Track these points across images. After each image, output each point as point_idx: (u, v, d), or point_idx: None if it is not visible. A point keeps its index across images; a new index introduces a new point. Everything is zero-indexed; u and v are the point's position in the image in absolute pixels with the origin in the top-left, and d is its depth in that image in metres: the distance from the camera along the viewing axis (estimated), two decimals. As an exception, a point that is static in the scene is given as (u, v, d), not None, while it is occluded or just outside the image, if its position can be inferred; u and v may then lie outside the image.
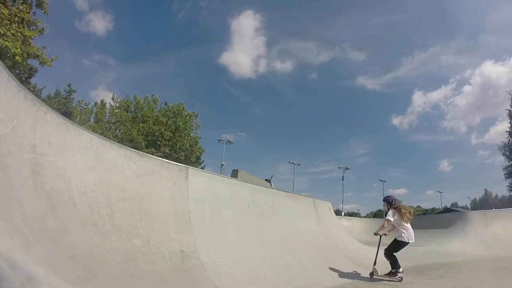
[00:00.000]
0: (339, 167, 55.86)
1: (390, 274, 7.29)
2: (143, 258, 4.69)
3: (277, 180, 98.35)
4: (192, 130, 39.25)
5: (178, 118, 37.51)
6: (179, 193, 6.30)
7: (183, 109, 38.72)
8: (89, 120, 39.37)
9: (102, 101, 41.12)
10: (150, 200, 5.71)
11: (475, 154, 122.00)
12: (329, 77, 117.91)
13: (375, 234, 7.55)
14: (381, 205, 64.99)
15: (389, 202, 7.67)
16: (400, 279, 7.06)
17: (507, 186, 37.05)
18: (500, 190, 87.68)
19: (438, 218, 21.26)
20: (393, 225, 7.46)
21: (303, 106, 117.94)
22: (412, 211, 7.56)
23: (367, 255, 10.48)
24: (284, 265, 6.88)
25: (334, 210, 13.73)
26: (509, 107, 35.94)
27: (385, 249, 7.45)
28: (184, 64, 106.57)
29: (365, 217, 48.59)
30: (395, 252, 7.32)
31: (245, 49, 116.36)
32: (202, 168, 35.03)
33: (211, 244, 6.01)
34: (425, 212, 66.53)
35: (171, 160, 7.13)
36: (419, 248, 13.28)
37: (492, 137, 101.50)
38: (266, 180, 20.57)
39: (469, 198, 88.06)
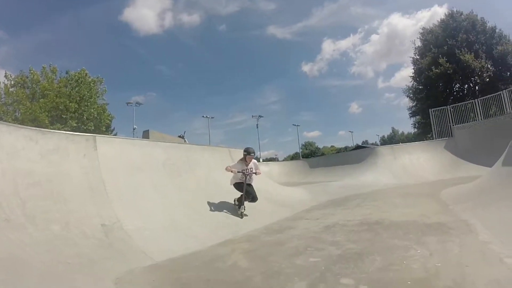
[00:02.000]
0: (252, 116, 56.51)
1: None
2: (65, 243, 4.37)
3: (193, 135, 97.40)
4: (99, 97, 35.80)
5: (82, 86, 33.96)
6: (90, 165, 5.91)
7: (86, 75, 35.05)
8: (-19, 106, 34.39)
9: (-6, 81, 35.61)
10: (60, 179, 5.26)
11: (382, 97, 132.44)
12: (238, 27, 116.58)
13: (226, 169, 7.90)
14: (297, 148, 68.56)
15: (244, 154, 7.92)
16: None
17: (411, 124, 41.39)
18: (405, 127, 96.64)
19: (351, 155, 22.81)
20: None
21: (213, 58, 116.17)
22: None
23: (288, 195, 10.93)
24: (209, 218, 6.92)
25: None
26: (412, 55, 38.81)
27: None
28: (81, 26, 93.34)
29: (283, 161, 50.53)
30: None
31: (149, 3, 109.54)
32: (115, 135, 32.97)
33: (132, 211, 5.75)
34: (338, 151, 70.96)
35: (81, 133, 6.47)
36: (335, 183, 14.22)
37: (397, 81, 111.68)
38: (180, 136, 20.17)
39: (378, 135, 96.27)
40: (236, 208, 7.65)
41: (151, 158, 7.49)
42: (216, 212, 7.25)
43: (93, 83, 35.23)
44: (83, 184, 5.54)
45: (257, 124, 54.95)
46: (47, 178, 5.08)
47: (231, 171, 7.55)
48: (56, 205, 4.86)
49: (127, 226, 5.27)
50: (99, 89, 36.33)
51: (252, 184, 7.84)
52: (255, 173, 7.77)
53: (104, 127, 34.86)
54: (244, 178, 7.54)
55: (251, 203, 7.76)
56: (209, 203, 7.54)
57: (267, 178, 12.79)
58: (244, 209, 7.51)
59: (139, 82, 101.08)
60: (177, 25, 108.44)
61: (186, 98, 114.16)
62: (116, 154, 6.61)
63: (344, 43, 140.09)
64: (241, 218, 7.36)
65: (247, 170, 7.62)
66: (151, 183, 6.87)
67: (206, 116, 51.20)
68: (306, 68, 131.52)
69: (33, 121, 27.80)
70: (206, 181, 8.58)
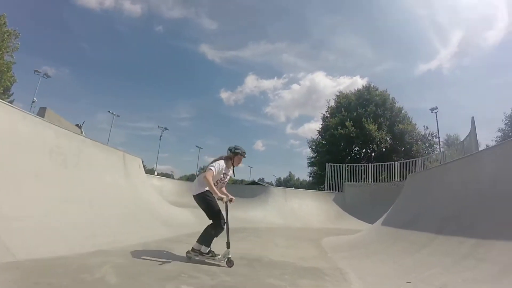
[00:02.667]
0: (158, 126, 55.17)
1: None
2: None
3: (93, 129, 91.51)
4: (8, 52, 31.53)
5: None
6: None
7: (4, 23, 30.79)
8: None
9: None
10: None
11: (287, 142, 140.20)
12: (174, 34, 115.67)
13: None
14: (195, 170, 67.78)
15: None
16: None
17: (308, 173, 44.47)
18: (302, 175, 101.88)
19: (245, 189, 23.30)
20: None
21: (139, 54, 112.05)
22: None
23: (174, 215, 10.48)
24: (86, 221, 6.21)
25: (149, 169, 13.27)
26: (324, 112, 42.81)
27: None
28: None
29: (178, 179, 49.44)
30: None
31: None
32: (11, 102, 28.81)
33: (2, 195, 4.86)
34: (234, 182, 71.78)
35: None
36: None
37: (305, 131, 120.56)
38: (77, 125, 18.76)
39: (275, 176, 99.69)
40: (207, 258, 5.46)
41: (39, 140, 6.48)
42: (96, 218, 6.51)
43: (7, 34, 30.66)
44: None
45: (160, 136, 53.55)
46: None
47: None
48: None
49: None
50: (11, 44, 31.75)
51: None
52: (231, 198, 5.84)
53: (2, 88, 30.36)
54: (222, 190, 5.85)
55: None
56: (90, 205, 6.78)
57: (156, 193, 12.28)
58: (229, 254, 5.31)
59: (56, 53, 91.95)
60: (117, 9, 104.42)
61: (97, 87, 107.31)
62: (1, 124, 5.59)
63: (267, 83, 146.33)
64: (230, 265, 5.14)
65: (224, 178, 5.88)
66: (32, 169, 5.91)
67: (112, 112, 48.30)
68: (224, 95, 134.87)
69: None
70: (92, 181, 7.75)
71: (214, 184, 5.46)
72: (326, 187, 24.03)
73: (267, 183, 78.31)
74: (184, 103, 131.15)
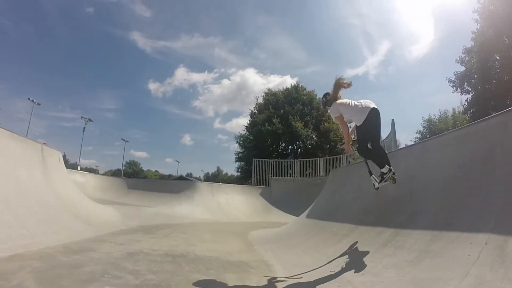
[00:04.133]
0: (82, 117, 52.03)
1: (382, 176, 5.04)
2: None
3: (11, 119, 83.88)
4: None
5: None
6: None
7: None
8: None
9: None
10: None
11: (215, 136, 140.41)
12: (105, 18, 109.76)
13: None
14: (120, 164, 65.22)
15: (323, 102, 5.82)
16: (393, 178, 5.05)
17: (235, 168, 45.02)
18: (230, 169, 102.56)
19: (171, 184, 23.23)
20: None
21: (62, 36, 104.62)
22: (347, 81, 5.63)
23: (97, 214, 10.04)
24: (1, 223, 5.60)
25: (72, 164, 12.53)
26: (252, 108, 43.95)
27: (358, 147, 5.68)
28: None
29: (103, 174, 47.14)
30: (367, 141, 5.28)
31: None
32: None
33: None
34: (162, 177, 70.61)
35: None
36: (150, 209, 13.76)
37: (233, 126, 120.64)
38: None
39: (203, 171, 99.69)
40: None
41: None
42: (9, 218, 5.88)
43: None
44: None
45: (84, 128, 50.65)
46: None
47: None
48: None
49: None
50: None
51: None
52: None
53: None
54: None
55: None
56: (4, 204, 6.09)
57: (78, 189, 11.63)
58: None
59: None
60: None
61: (16, 71, 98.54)
62: None
63: (197, 76, 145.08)
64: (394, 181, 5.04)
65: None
66: None
67: (32, 100, 44.62)
68: (152, 86, 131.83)
69: None
70: (5, 176, 6.84)
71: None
72: (253, 182, 24.39)
73: (195, 178, 78.04)
74: (110, 93, 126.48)
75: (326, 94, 5.70)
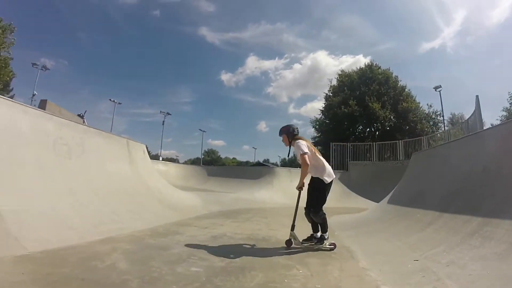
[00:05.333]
0: (160, 111, 55.09)
1: (312, 239, 5.49)
2: None
3: (96, 119, 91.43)
4: (4, 48, 31.06)
5: None
6: None
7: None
8: None
9: None
10: None
11: (290, 121, 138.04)
12: (172, 18, 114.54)
13: (299, 188, 5.53)
14: (198, 153, 67.99)
15: (290, 132, 5.77)
16: (333, 246, 5.30)
17: None
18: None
19: (250, 170, 23.51)
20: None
21: (136, 41, 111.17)
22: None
23: (180, 199, 10.60)
24: (93, 210, 6.28)
25: (153, 155, 13.38)
26: (327, 91, 42.82)
27: (309, 205, 5.46)
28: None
29: (183, 163, 49.55)
30: (324, 202, 5.48)
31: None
32: (11, 97, 28.68)
33: (9, 189, 4.91)
34: (239, 164, 72.10)
35: None
36: (230, 195, 14.21)
37: (307, 110, 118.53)
38: (79, 115, 18.78)
39: (280, 156, 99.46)
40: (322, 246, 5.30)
41: (41, 133, 6.47)
42: (102, 206, 6.57)
43: (2, 30, 30.52)
44: None
45: (163, 121, 53.60)
46: None
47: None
48: None
49: (1, 206, 4.47)
50: (7, 39, 31.54)
51: None
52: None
53: (1, 84, 30.36)
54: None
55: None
56: (96, 194, 6.82)
57: (162, 177, 12.37)
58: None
59: (53, 44, 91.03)
60: None
61: (97, 77, 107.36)
62: (2, 119, 5.59)
63: (268, 64, 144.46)
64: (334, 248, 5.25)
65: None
66: (36, 161, 5.94)
67: (114, 101, 48.28)
68: (224, 77, 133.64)
69: None
70: (97, 170, 7.78)
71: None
72: (331, 167, 23.76)
73: (272, 164, 78.44)
74: (185, 87, 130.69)
75: (294, 129, 5.75)
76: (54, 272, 3.44)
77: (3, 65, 29.96)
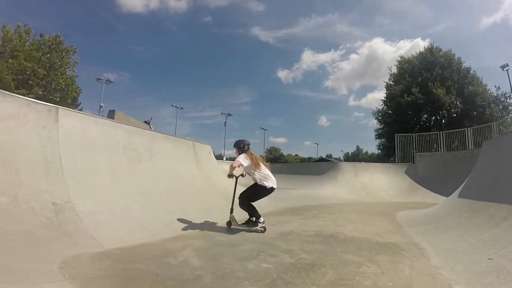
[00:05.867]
0: (222, 113, 56.60)
1: (249, 223, 6.64)
2: (12, 218, 4.14)
3: (159, 124, 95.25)
4: (69, 67, 34.08)
5: (54, 53, 32.04)
6: (48, 138, 5.52)
7: (60, 42, 33.44)
8: None
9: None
10: (15, 149, 4.89)
11: (351, 114, 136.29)
12: (224, 23, 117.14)
13: (229, 176, 6.56)
14: (262, 152, 68.60)
15: (241, 147, 6.89)
16: (262, 229, 6.51)
17: (376, 145, 42.08)
18: (369, 147, 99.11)
19: (314, 166, 23.19)
20: (246, 172, 6.88)
21: (192, 49, 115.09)
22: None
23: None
24: (164, 209, 6.72)
25: (217, 155, 13.80)
26: (387, 80, 40.60)
27: (241, 197, 6.70)
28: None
29: (246, 162, 50.50)
30: (253, 200, 6.70)
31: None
32: (80, 110, 31.17)
33: (86, 193, 5.49)
34: (302, 161, 71.73)
35: (43, 102, 6.00)
36: (295, 192, 14.28)
37: (368, 101, 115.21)
38: (145, 122, 19.70)
39: (342, 151, 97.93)
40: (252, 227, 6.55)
41: (112, 140, 7.14)
42: (172, 205, 7.02)
43: (65, 52, 33.52)
44: (38, 157, 5.19)
45: (225, 122, 55.07)
46: (1, 145, 4.73)
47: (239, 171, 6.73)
48: (7, 175, 4.54)
49: (79, 208, 5.02)
50: (71, 59, 34.63)
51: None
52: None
53: (70, 99, 33.21)
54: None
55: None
56: (166, 195, 7.31)
57: (227, 176, 12.67)
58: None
59: (113, 60, 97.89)
60: (162, 8, 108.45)
61: (158, 84, 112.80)
62: (77, 130, 6.24)
63: (323, 57, 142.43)
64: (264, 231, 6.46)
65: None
66: (109, 166, 6.57)
67: (176, 106, 50.33)
68: (281, 74, 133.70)
69: None
70: (165, 172, 8.31)
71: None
72: (396, 159, 23.20)
73: (335, 159, 77.15)
74: (244, 87, 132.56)
75: (245, 145, 6.92)
76: (130, 268, 3.75)
77: (69, 82, 32.93)
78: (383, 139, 39.39)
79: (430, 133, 24.45)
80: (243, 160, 6.56)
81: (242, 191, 6.73)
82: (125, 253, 4.35)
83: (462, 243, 4.66)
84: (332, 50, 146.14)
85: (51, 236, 4.20)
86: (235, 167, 6.50)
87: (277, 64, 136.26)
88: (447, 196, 8.62)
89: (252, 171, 6.63)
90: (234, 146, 7.12)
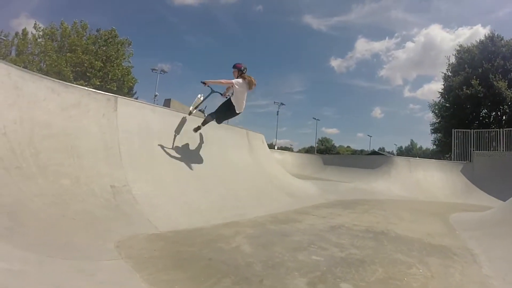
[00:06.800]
0: (274, 102, 56.65)
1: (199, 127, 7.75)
2: (73, 198, 4.52)
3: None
4: (125, 59, 36.51)
5: (110, 46, 34.50)
6: (108, 125, 6.00)
7: (115, 36, 35.56)
8: (10, 54, 34.88)
9: (23, 30, 36.15)
10: (77, 135, 5.37)
11: (407, 106, 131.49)
12: (275, 11, 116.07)
13: (204, 83, 7.17)
14: (313, 142, 67.93)
15: (240, 69, 7.37)
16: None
17: (431, 140, 39.98)
18: (424, 142, 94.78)
19: (366, 159, 22.64)
20: (233, 92, 7.36)
21: (243, 38, 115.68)
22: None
23: (298, 187, 11.00)
24: (217, 196, 6.99)
25: (268, 144, 14.00)
26: (445, 71, 37.95)
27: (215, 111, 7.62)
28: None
29: (297, 152, 50.49)
30: (217, 115, 7.63)
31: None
32: (136, 99, 32.26)
33: (143, 177, 5.89)
34: (354, 153, 70.44)
35: (103, 92, 6.51)
36: (347, 184, 14.25)
37: (424, 93, 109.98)
38: (200, 110, 20.23)
39: (396, 145, 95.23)
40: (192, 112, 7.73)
41: (169, 127, 7.56)
42: (225, 192, 7.30)
43: (121, 45, 35.33)
44: (99, 143, 5.65)
45: (277, 111, 55.20)
46: (64, 132, 5.19)
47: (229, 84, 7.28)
48: (69, 159, 4.99)
49: (136, 191, 5.39)
50: (126, 51, 36.44)
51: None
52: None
53: (126, 89, 35.15)
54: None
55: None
56: (219, 181, 7.60)
57: (279, 166, 12.95)
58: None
59: (166, 50, 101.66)
60: None
61: (210, 73, 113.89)
62: (135, 118, 6.70)
63: (378, 45, 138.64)
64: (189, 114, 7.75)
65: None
66: (165, 152, 6.96)
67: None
68: (334, 63, 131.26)
69: (57, 74, 28.06)
70: (220, 159, 8.62)
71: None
72: (452, 156, 22.05)
73: (388, 152, 75.12)
74: (297, 76, 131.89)
75: (244, 68, 7.35)
76: (183, 251, 4.02)
77: (125, 73, 34.60)
78: (439, 134, 37.59)
79: (489, 130, 23.03)
80: (239, 84, 7.10)
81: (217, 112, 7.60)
82: (179, 236, 4.62)
83: (518, 253, 4.54)
84: (387, 38, 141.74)
85: (109, 216, 4.56)
86: (222, 83, 7.28)
87: (330, 52, 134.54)
88: (505, 201, 8.29)
89: (238, 94, 7.22)
90: (233, 67, 7.44)
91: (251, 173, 9.45)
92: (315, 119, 67.99)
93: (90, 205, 4.57)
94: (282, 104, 56.68)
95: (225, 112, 7.49)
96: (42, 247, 3.21)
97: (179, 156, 7.27)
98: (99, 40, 34.20)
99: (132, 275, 3.11)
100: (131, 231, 4.39)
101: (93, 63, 31.75)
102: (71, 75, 29.64)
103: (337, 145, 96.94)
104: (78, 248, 3.47)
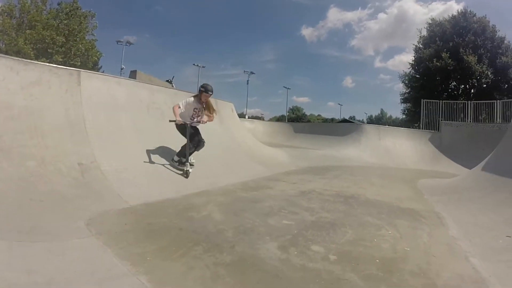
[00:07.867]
0: (244, 71, 55.81)
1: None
2: (40, 180, 4.31)
3: (182, 84, 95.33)
4: (88, 32, 33.69)
5: (72, 19, 31.66)
6: (72, 101, 5.67)
7: (78, 8, 32.64)
8: (-35, 35, 32.12)
9: (-22, 8, 32.99)
10: (40, 113, 5.05)
11: (377, 76, 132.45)
12: None
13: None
14: (284, 111, 68.03)
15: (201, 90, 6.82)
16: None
17: (401, 110, 40.79)
18: (394, 112, 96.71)
19: (337, 127, 22.83)
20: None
21: (213, 6, 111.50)
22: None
23: (269, 155, 10.98)
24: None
25: (239, 114, 13.79)
26: (416, 43, 37.86)
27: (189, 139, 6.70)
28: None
29: (268, 121, 50.51)
30: (190, 138, 6.75)
31: None
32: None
33: (111, 152, 5.65)
34: (325, 121, 71.13)
35: (64, 67, 6.07)
36: (317, 152, 14.33)
37: (395, 64, 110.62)
38: (167, 81, 19.55)
39: (366, 114, 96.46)
40: (175, 165, 6.65)
41: (135, 99, 7.24)
42: (197, 162, 7.10)
43: (83, 17, 33.17)
44: (63, 120, 5.36)
45: (247, 80, 54.37)
46: (26, 111, 4.89)
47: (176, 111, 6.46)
48: (33, 139, 4.73)
49: (105, 167, 5.21)
50: (90, 24, 34.12)
51: (199, 127, 7.07)
52: (202, 121, 6.95)
53: (91, 64, 33.01)
54: (192, 119, 6.81)
55: (196, 151, 6.97)
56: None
57: (250, 134, 12.87)
58: (191, 166, 6.62)
59: (133, 21, 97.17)
60: None
61: (179, 44, 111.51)
62: (100, 92, 6.36)
63: (350, 15, 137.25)
64: (186, 177, 6.41)
65: (198, 111, 6.84)
66: (133, 125, 6.71)
67: (197, 65, 49.58)
68: (306, 32, 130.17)
69: (17, 53, 25.95)
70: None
71: (190, 116, 6.79)
72: (421, 125, 22.45)
73: (358, 121, 76.07)
74: (267, 45, 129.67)
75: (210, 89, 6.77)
76: (154, 222, 3.93)
77: (90, 47, 32.63)
78: (408, 104, 38.07)
79: (457, 101, 23.45)
80: (181, 103, 6.65)
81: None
82: (150, 209, 4.53)
83: (482, 218, 4.63)
84: (360, 8, 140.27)
85: (78, 194, 4.38)
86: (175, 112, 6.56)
87: (302, 21, 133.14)
88: (470, 168, 8.48)
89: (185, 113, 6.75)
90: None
91: (222, 141, 9.26)
92: (286, 88, 67.99)
93: (57, 185, 4.38)
94: (252, 73, 55.65)
95: (189, 132, 6.75)
96: (10, 233, 3.05)
97: (147, 128, 7.02)
98: (60, 14, 32.03)
99: (103, 251, 3.03)
100: (101, 207, 4.25)
101: (54, 38, 29.47)
102: (31, 53, 27.71)
103: (308, 113, 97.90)
104: (47, 230, 3.31)
